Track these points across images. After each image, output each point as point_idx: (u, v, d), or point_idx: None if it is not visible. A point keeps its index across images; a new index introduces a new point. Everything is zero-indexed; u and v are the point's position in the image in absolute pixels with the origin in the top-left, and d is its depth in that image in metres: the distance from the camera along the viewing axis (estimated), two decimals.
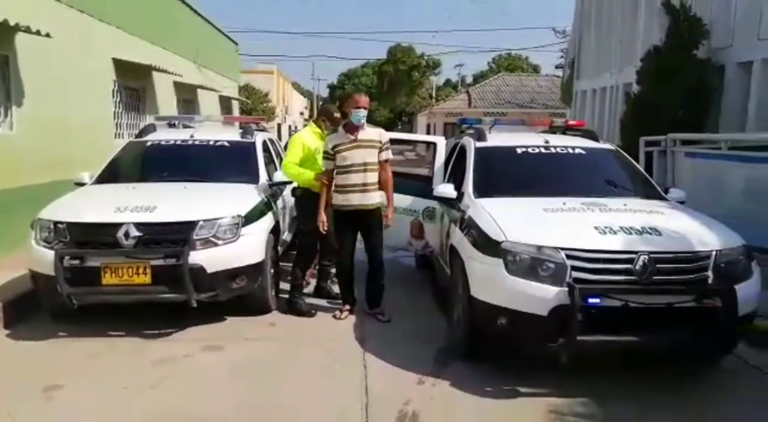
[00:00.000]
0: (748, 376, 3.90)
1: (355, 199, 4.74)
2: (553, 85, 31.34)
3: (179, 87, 12.53)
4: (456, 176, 5.25)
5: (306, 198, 5.11)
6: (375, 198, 4.79)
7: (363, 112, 4.75)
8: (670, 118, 9.24)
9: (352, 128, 4.79)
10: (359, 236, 4.97)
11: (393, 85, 45.36)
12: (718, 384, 3.80)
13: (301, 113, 48.69)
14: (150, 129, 6.27)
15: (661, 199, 4.58)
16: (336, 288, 5.38)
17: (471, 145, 5.13)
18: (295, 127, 36.04)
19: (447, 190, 4.75)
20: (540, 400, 3.51)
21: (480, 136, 5.26)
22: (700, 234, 3.65)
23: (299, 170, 5.11)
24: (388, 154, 4.86)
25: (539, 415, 3.34)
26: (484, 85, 34.50)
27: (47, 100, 7.45)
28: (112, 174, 5.52)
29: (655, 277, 3.39)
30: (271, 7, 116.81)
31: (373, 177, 4.76)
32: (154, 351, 4.23)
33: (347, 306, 5.06)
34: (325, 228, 4.84)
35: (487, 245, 3.72)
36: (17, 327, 4.67)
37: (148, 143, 5.91)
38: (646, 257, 3.40)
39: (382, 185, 4.83)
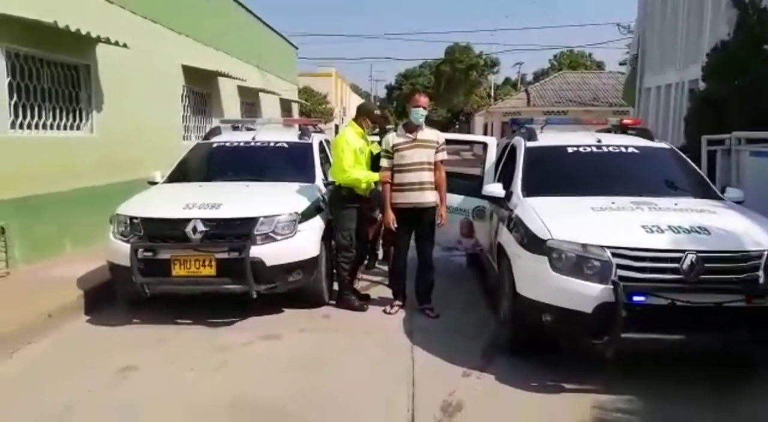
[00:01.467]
0: None
1: (413, 197, 4.92)
2: (617, 83, 30.27)
3: (242, 91, 13.10)
4: (506, 175, 5.31)
5: (348, 198, 5.14)
6: (431, 196, 4.95)
7: (422, 111, 4.93)
8: (737, 116, 8.88)
9: (412, 128, 4.98)
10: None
11: (450, 85, 45.21)
12: (759, 380, 3.71)
13: None
14: (216, 131, 6.68)
15: (717, 198, 4.49)
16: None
17: (521, 144, 5.19)
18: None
19: (495, 189, 4.84)
20: (584, 396, 3.55)
21: (531, 136, 5.30)
22: (753, 234, 3.59)
23: (365, 173, 5.11)
24: (443, 155, 5.02)
25: (582, 410, 3.38)
26: (544, 83, 33.82)
27: (123, 105, 8.03)
28: (181, 173, 5.93)
29: (702, 276, 3.37)
30: (328, 11, 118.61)
31: (429, 176, 4.92)
32: (218, 338, 4.55)
33: (398, 302, 5.23)
34: (395, 225, 4.97)
35: (533, 243, 3.80)
36: (95, 314, 5.11)
37: (214, 145, 6.30)
38: (694, 256, 3.39)
39: (436, 185, 4.98)
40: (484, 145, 5.96)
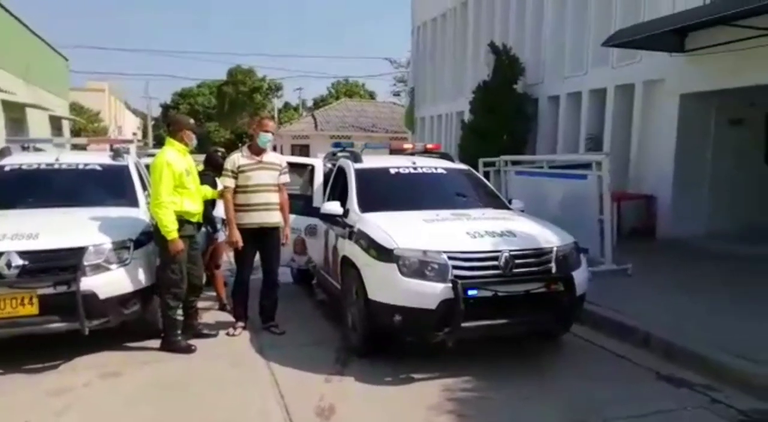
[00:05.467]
0: (590, 352, 4.85)
1: (259, 217, 5.02)
2: (391, 111, 33.39)
3: (6, 106, 11.35)
4: (336, 195, 5.74)
5: (178, 227, 4.62)
6: (277, 217, 5.12)
7: (270, 136, 5.14)
8: (497, 142, 10.85)
9: (258, 150, 5.10)
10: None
11: (234, 107, 44.62)
12: (558, 352, 4.75)
13: (134, 133, 45.42)
14: (6, 152, 5.82)
15: (507, 208, 5.54)
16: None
17: (350, 166, 5.67)
18: (127, 150, 33.51)
19: (334, 207, 5.21)
20: (433, 382, 4.10)
21: (356, 159, 5.83)
22: (544, 235, 4.60)
23: (171, 219, 4.53)
24: (286, 178, 5.25)
25: (435, 394, 3.92)
26: (328, 109, 35.46)
27: None
28: None
29: (515, 270, 4.22)
30: (99, 22, 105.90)
31: (274, 197, 5.10)
32: (47, 383, 4.05)
33: (240, 323, 5.23)
34: (241, 244, 4.97)
35: (381, 252, 4.28)
36: None
37: (7, 168, 5.50)
38: (508, 254, 4.22)
39: (280, 206, 5.16)
40: (312, 167, 6.31)
